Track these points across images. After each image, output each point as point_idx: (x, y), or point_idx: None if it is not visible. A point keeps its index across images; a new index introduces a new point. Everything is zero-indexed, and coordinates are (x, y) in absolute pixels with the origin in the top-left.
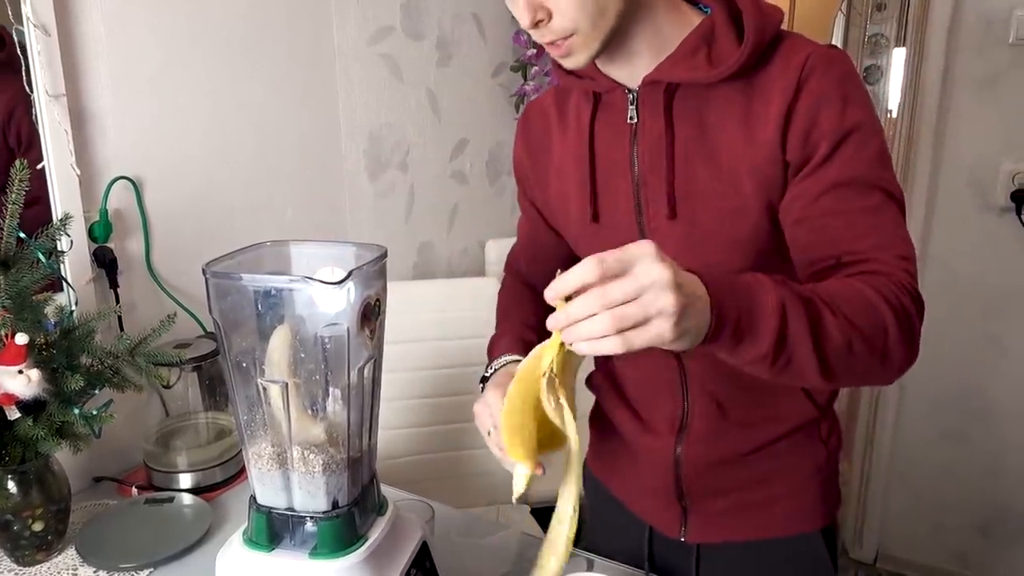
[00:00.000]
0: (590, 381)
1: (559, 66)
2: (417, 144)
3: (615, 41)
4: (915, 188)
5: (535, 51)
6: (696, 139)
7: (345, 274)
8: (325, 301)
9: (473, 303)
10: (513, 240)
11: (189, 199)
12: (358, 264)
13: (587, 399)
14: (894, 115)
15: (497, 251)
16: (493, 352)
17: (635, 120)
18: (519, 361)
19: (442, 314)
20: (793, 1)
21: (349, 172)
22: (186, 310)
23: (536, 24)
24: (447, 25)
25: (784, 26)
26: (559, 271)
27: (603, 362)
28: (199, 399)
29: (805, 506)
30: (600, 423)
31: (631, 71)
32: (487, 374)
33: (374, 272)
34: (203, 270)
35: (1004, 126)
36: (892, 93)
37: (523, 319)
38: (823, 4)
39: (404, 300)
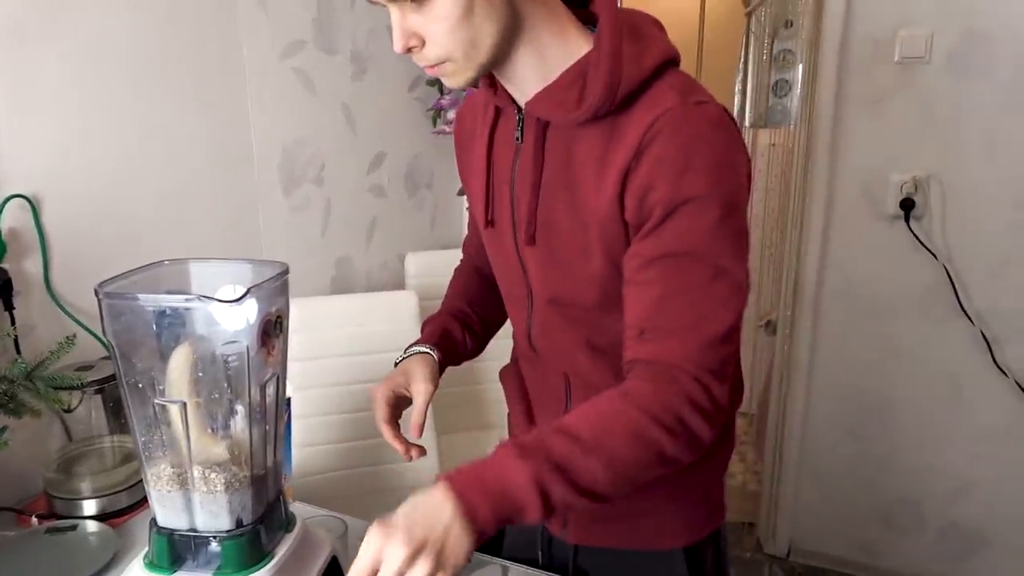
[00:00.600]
0: (501, 374)
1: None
2: (333, 158)
3: (499, 65)
4: (814, 198)
5: None
6: (561, 172)
7: (243, 291)
8: (224, 320)
9: (392, 316)
10: (433, 252)
11: (93, 218)
12: (258, 282)
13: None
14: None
15: (417, 264)
16: (421, 332)
17: (519, 140)
18: (428, 353)
19: (360, 328)
20: (702, 22)
21: (262, 188)
22: (88, 330)
23: (409, 50)
24: (361, 39)
25: (690, 44)
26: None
27: (513, 358)
28: (103, 422)
29: (667, 523)
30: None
31: (520, 92)
32: (398, 359)
33: (275, 289)
34: (95, 290)
35: (892, 140)
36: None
37: (455, 303)
38: (731, 21)
39: (321, 315)
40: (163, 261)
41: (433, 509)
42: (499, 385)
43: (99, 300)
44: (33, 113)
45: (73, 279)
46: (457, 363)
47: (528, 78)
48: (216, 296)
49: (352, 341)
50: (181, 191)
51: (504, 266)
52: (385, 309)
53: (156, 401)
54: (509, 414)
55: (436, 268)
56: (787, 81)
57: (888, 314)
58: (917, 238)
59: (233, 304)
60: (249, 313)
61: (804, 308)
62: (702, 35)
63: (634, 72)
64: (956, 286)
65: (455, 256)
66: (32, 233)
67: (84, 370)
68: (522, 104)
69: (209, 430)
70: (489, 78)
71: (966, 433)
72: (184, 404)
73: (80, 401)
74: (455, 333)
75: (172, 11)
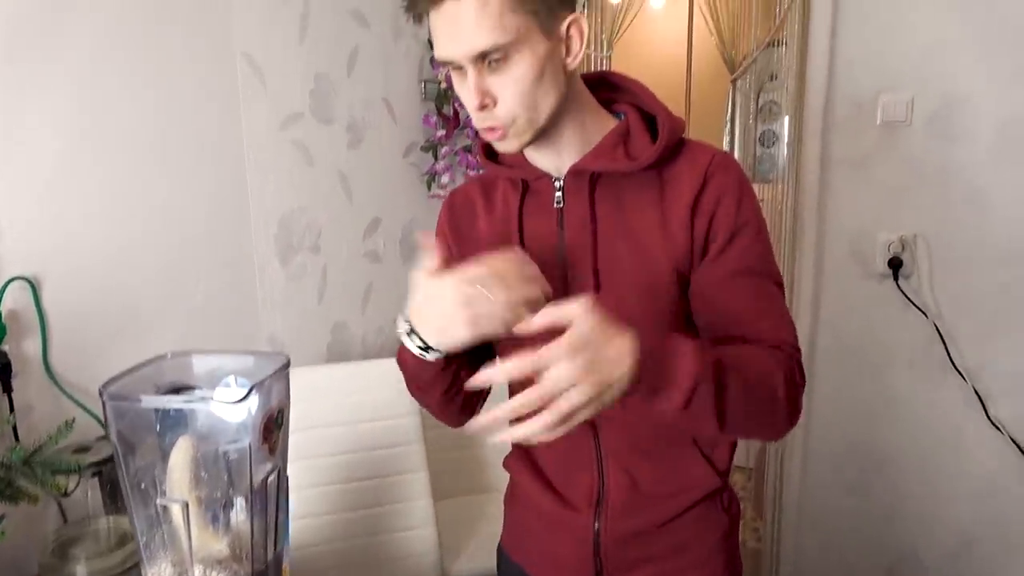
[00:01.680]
0: (505, 463)
1: (487, 156)
2: (329, 226)
3: (546, 134)
4: (803, 257)
5: (444, 132)
6: (615, 219)
7: (246, 390)
8: (226, 418)
9: (386, 385)
10: None
11: (93, 295)
12: (261, 375)
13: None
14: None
15: None
16: None
17: (562, 204)
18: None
19: (355, 397)
20: (689, 79)
21: (260, 258)
22: (87, 410)
23: (482, 107)
24: (357, 109)
25: (678, 99)
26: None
27: (517, 445)
28: (100, 503)
29: (714, 573)
30: (516, 503)
31: (557, 162)
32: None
33: (276, 384)
34: (100, 392)
35: (877, 200)
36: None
37: None
38: (717, 80)
39: (317, 384)
40: (166, 354)
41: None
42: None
43: (103, 401)
44: (33, 193)
45: (73, 358)
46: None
47: (569, 146)
48: (217, 394)
49: (348, 410)
50: (180, 265)
51: (545, 337)
52: (380, 377)
53: (158, 502)
54: (510, 496)
55: None
56: (773, 132)
57: (881, 371)
58: (907, 296)
59: (235, 404)
60: (251, 411)
61: None
62: (689, 90)
63: (681, 128)
64: (947, 343)
65: None
66: (32, 314)
67: (82, 451)
68: (561, 170)
69: (210, 527)
70: (490, 156)
71: (965, 489)
72: (186, 503)
73: (77, 484)
74: None
75: (172, 88)
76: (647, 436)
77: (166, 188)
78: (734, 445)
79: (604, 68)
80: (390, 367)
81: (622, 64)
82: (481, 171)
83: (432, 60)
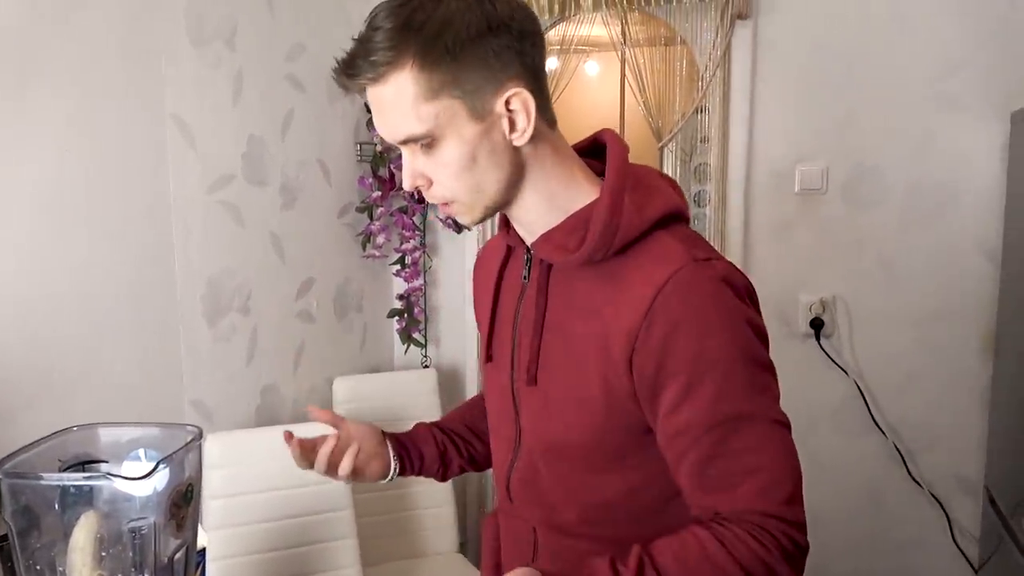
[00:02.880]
0: (481, 524)
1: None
2: (260, 286)
3: (507, 207)
4: None
5: (379, 193)
6: (562, 316)
7: (152, 466)
8: (132, 494)
9: None
10: (363, 376)
11: (5, 358)
12: (172, 446)
13: None
14: None
15: (345, 388)
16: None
17: (526, 279)
18: (398, 439)
19: (283, 462)
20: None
21: (185, 319)
22: None
23: (415, 188)
24: (291, 171)
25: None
26: None
27: (493, 510)
28: None
29: None
30: None
31: (528, 233)
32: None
33: (186, 457)
34: None
35: (798, 263)
36: None
37: (440, 420)
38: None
39: (243, 449)
40: (72, 428)
41: None
42: (429, 511)
43: None
44: None
45: None
46: (420, 466)
47: (535, 220)
48: (125, 468)
49: (274, 476)
50: (100, 328)
51: (498, 403)
52: None
53: None
54: (481, 566)
55: (365, 392)
56: (707, 191)
57: (807, 429)
58: (828, 355)
59: (141, 480)
60: (157, 488)
61: None
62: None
63: (635, 221)
64: (868, 401)
65: (384, 379)
66: None
67: None
68: (529, 244)
69: None
70: (505, 217)
71: (892, 543)
72: None
73: None
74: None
75: (100, 148)
76: (568, 553)
77: (88, 249)
78: None
79: None
80: (320, 429)
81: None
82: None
83: (368, 123)
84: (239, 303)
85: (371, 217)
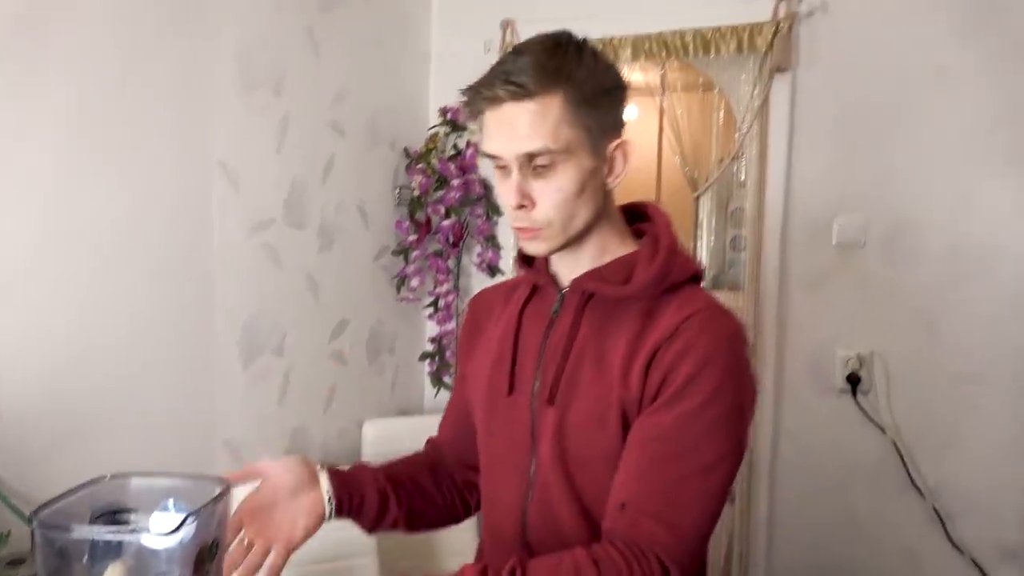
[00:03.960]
0: None
1: (520, 260)
2: (294, 328)
3: (575, 245)
4: (765, 370)
5: (416, 237)
6: (593, 341)
7: (182, 518)
8: (157, 548)
9: None
10: (392, 419)
11: (43, 400)
12: (201, 498)
13: None
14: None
15: (375, 431)
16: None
17: (556, 314)
18: (338, 474)
19: None
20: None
21: (221, 361)
22: (25, 520)
23: (519, 207)
24: (330, 214)
25: None
26: None
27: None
28: None
29: None
30: None
31: (571, 271)
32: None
33: (212, 513)
34: (29, 518)
35: (834, 317)
36: None
37: (388, 468)
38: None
39: None
40: (104, 476)
41: None
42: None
43: (32, 528)
44: None
45: (15, 465)
46: (359, 514)
47: (587, 259)
48: (153, 519)
49: None
50: (137, 370)
51: (509, 436)
52: None
53: None
54: None
55: (395, 435)
56: (744, 236)
57: (842, 486)
58: (865, 412)
59: (169, 535)
60: (183, 541)
61: (760, 478)
62: (659, 199)
63: (680, 272)
64: (906, 460)
65: (414, 423)
66: None
67: (16, 564)
68: (566, 282)
69: None
70: (525, 261)
71: None
72: None
73: None
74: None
75: (146, 192)
76: None
77: (129, 291)
78: (703, 565)
79: None
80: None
81: None
82: (450, 276)
83: (407, 167)
84: (274, 344)
85: (407, 260)
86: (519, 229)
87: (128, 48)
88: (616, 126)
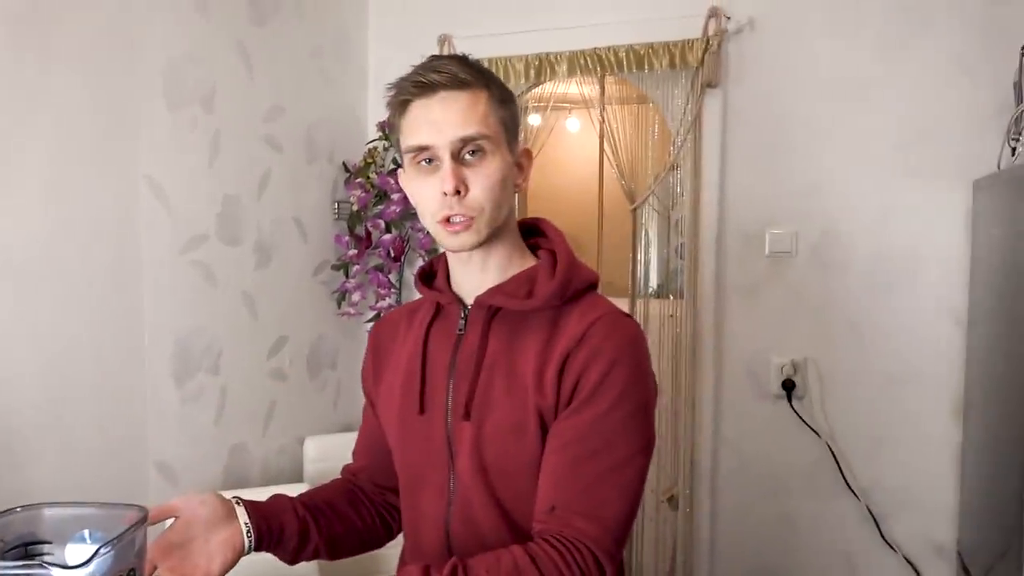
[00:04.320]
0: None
1: (423, 280)
2: (230, 346)
3: (483, 247)
4: (703, 376)
5: (356, 251)
6: (503, 353)
7: (92, 551)
8: None
9: None
10: (335, 436)
11: None
12: (119, 527)
13: None
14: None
15: (317, 448)
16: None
17: (462, 331)
18: (255, 505)
19: None
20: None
21: (152, 380)
22: None
23: (456, 192)
24: (266, 229)
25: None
26: None
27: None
28: None
29: None
30: None
31: (474, 287)
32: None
33: (129, 542)
34: None
35: (768, 325)
36: None
37: (293, 495)
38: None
39: None
40: (15, 509)
41: None
42: None
43: None
44: None
45: None
46: (279, 539)
47: (494, 270)
48: (68, 551)
49: None
50: (61, 389)
51: (425, 454)
52: None
53: None
54: None
55: (337, 451)
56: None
57: (781, 491)
58: (800, 417)
59: (77, 570)
60: (98, 572)
61: (702, 485)
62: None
63: (579, 281)
64: (840, 463)
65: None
66: None
67: None
68: (469, 300)
69: None
70: (426, 282)
71: None
72: None
73: None
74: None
75: (68, 208)
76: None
77: (50, 311)
78: (622, 565)
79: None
80: (289, 492)
81: (539, 182)
82: (392, 291)
83: (346, 181)
84: (209, 363)
85: (347, 275)
86: (446, 222)
87: (47, 59)
88: (518, 133)
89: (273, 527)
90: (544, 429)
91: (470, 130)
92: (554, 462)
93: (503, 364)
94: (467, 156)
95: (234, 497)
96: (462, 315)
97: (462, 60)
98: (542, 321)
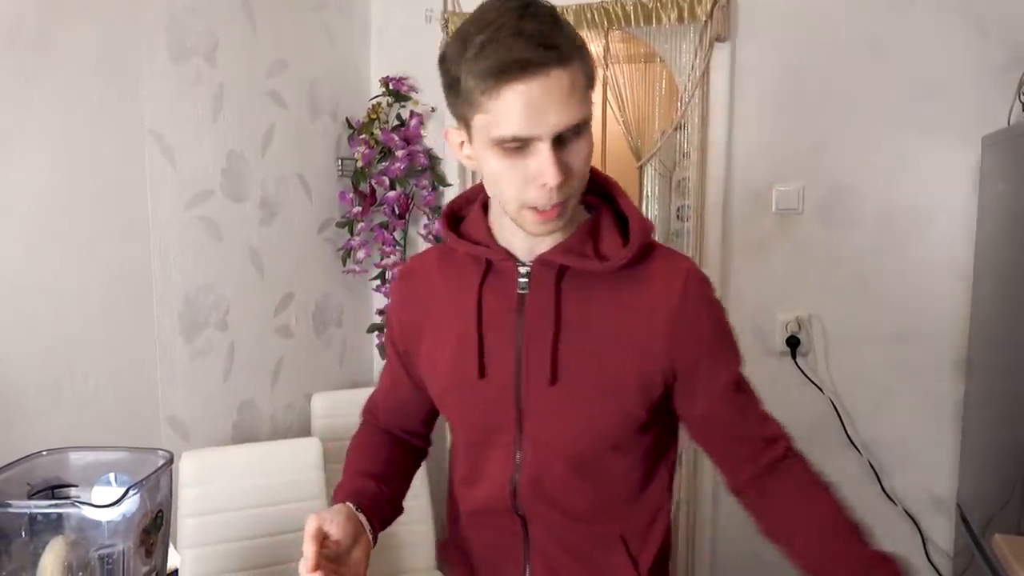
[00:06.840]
0: (440, 552)
1: (449, 229)
2: (238, 302)
3: None
4: None
5: (360, 209)
6: (580, 316)
7: (122, 491)
8: (100, 521)
9: (294, 466)
10: (341, 392)
11: None
12: (143, 470)
13: None
14: None
15: (324, 404)
16: (334, 500)
17: (526, 291)
18: (366, 508)
19: (262, 479)
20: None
21: (161, 337)
22: None
23: (564, 182)
24: (271, 186)
25: None
26: None
27: (452, 529)
28: None
29: None
30: None
31: (532, 242)
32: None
33: (156, 484)
34: None
35: (774, 282)
36: None
37: (362, 468)
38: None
39: (218, 467)
40: (41, 452)
41: None
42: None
43: None
44: None
45: None
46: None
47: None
48: (95, 493)
49: (254, 493)
50: (71, 344)
51: (489, 416)
52: (288, 459)
53: None
54: None
55: (344, 407)
56: (689, 206)
57: None
58: (804, 373)
59: (109, 507)
60: (127, 513)
61: None
62: (605, 168)
63: (648, 236)
64: (843, 418)
65: (363, 395)
66: None
67: None
68: (533, 253)
69: None
70: (457, 233)
71: None
72: None
73: None
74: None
75: (76, 164)
76: (575, 537)
77: (61, 266)
78: (660, 548)
79: None
80: (298, 448)
81: None
82: (397, 247)
83: (350, 138)
84: (217, 319)
85: (352, 232)
86: (544, 211)
87: (50, 16)
88: None
89: (380, 518)
90: (646, 388)
91: (575, 116)
92: (734, 410)
93: (584, 327)
94: (565, 139)
95: (348, 503)
96: (522, 274)
97: (555, 20)
98: (616, 279)
